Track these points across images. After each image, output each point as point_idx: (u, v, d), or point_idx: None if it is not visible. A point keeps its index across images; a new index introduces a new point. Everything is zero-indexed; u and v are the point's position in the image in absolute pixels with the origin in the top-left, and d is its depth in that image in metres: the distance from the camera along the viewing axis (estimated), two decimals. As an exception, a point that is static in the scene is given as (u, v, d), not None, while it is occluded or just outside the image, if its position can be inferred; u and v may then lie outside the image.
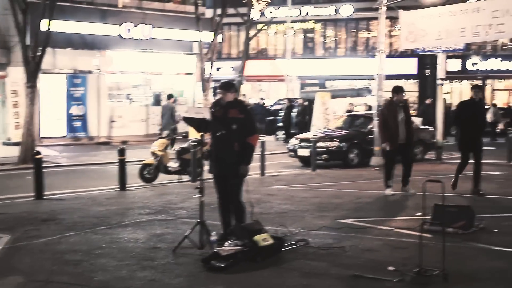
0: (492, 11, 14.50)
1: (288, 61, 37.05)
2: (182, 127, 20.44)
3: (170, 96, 20.86)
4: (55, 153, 21.29)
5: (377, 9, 18.44)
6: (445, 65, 20.21)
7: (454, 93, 40.22)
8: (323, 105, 24.01)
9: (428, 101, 26.86)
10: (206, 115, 7.56)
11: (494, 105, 31.29)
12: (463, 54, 35.96)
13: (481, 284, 6.34)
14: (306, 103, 26.42)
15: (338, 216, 9.71)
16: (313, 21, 43.20)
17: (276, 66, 41.87)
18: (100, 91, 26.54)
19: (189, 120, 7.80)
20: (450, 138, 25.98)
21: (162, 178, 14.52)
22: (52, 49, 22.57)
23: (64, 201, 11.51)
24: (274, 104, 33.26)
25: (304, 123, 25.48)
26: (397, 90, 11.92)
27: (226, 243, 7.18)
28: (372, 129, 17.84)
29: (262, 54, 45.22)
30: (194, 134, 17.19)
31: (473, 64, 39.22)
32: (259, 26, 35.37)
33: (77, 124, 26.08)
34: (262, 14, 36.98)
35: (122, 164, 12.93)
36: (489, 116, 27.14)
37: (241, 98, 26.70)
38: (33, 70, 18.14)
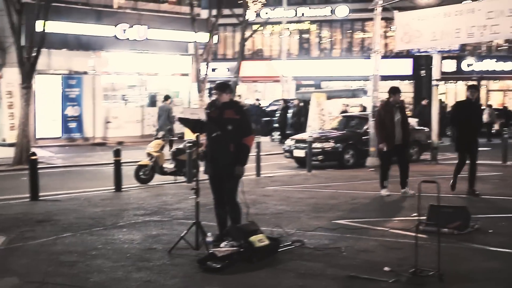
0: (487, 12, 14.55)
1: (284, 62, 37.08)
2: (178, 128, 20.45)
3: (167, 97, 20.84)
4: (51, 154, 21.25)
5: (372, 10, 18.46)
6: (440, 66, 20.23)
7: (449, 93, 40.34)
8: (318, 106, 24.03)
9: (424, 102, 26.89)
10: (202, 116, 7.56)
11: (489, 106, 31.40)
12: (458, 55, 36.06)
13: (476, 285, 6.35)
14: (301, 104, 26.44)
15: (334, 217, 9.71)
16: (309, 22, 43.24)
17: (272, 67, 41.91)
18: (96, 92, 26.49)
19: (184, 121, 7.80)
20: (446, 139, 26.07)
21: (157, 179, 14.50)
22: (47, 49, 22.56)
23: (60, 202, 11.49)
24: (270, 105, 33.28)
25: (299, 124, 25.50)
26: (394, 91, 11.94)
27: (222, 244, 7.18)
28: (368, 130, 17.87)
29: (257, 55, 45.24)
30: (189, 135, 17.22)
31: (468, 65, 39.32)
32: (254, 27, 35.38)
33: (73, 125, 26.03)
34: (258, 15, 36.95)
35: (117, 165, 12.92)
36: (484, 117, 27.24)
37: (236, 99, 26.82)
38: (28, 71, 18.10)
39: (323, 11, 42.16)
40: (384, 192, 11.92)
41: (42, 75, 24.13)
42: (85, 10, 26.13)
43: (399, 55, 33.16)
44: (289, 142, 18.80)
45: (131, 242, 8.14)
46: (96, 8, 26.48)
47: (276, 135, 27.76)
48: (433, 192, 7.07)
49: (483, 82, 39.83)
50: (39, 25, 18.26)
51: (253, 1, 33.45)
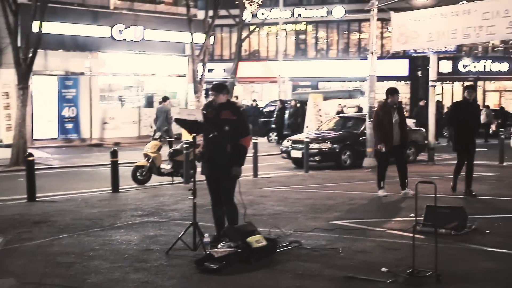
0: (482, 13, 14.60)
1: (280, 63, 37.09)
2: (175, 128, 20.44)
3: (165, 99, 20.83)
4: (47, 155, 21.23)
5: (368, 11, 18.49)
6: (437, 66, 20.26)
7: (446, 94, 40.39)
8: (315, 106, 24.04)
9: (421, 103, 26.92)
10: (198, 116, 7.55)
11: (487, 107, 31.48)
12: (455, 55, 36.12)
13: (474, 285, 6.36)
14: (298, 105, 26.46)
15: (331, 218, 9.72)
16: (305, 22, 43.29)
17: (269, 68, 41.93)
18: (92, 93, 26.45)
19: (181, 122, 7.79)
20: (442, 140, 26.11)
21: (155, 180, 14.49)
22: (43, 50, 22.56)
23: (57, 203, 11.48)
24: (267, 105, 33.28)
25: (296, 125, 25.52)
26: (392, 92, 11.94)
27: (219, 245, 7.18)
28: (365, 131, 17.89)
29: (254, 56, 45.26)
30: (186, 136, 17.21)
31: (465, 66, 39.39)
32: (251, 27, 35.42)
33: (69, 126, 25.98)
34: (254, 15, 37.02)
35: (114, 166, 12.90)
36: (482, 118, 27.26)
37: (233, 99, 26.83)
38: (24, 71, 18.07)
39: (319, 12, 42.20)
40: (381, 192, 11.93)
41: (39, 76, 24.10)
42: (81, 11, 26.09)
43: (396, 56, 33.20)
44: (286, 143, 18.80)
45: (128, 243, 8.13)
46: (92, 8, 26.44)
47: (273, 136, 27.78)
48: (430, 192, 7.09)
49: (479, 83, 39.90)
50: (35, 26, 18.23)
51: (250, 2, 33.51)
